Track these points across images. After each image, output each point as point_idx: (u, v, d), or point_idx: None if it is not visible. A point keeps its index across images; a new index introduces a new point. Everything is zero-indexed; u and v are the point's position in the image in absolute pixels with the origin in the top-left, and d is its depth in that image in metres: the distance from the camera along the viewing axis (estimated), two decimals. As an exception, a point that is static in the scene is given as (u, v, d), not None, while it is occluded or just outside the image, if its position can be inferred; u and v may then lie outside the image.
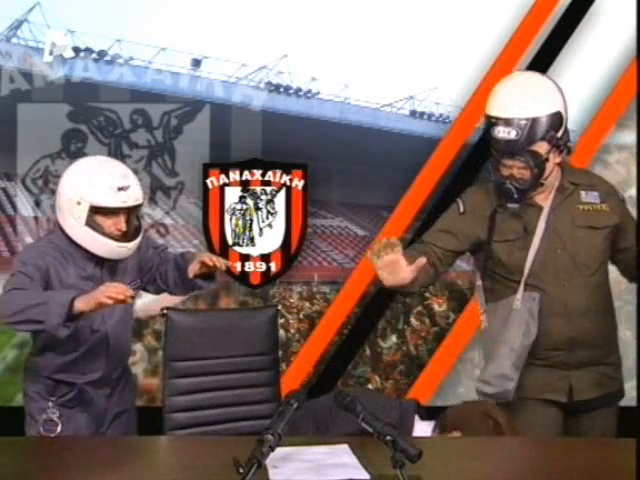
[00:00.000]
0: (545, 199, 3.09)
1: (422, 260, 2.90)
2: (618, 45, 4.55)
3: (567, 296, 3.04)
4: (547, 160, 3.02)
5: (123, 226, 3.08)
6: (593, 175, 3.33)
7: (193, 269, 3.16)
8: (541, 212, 3.07)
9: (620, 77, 4.57)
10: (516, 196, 3.02)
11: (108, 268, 3.15)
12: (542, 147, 3.01)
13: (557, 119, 3.05)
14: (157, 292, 3.37)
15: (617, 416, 3.16)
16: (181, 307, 3.26)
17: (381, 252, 2.84)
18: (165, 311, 3.10)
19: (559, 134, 3.04)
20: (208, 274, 3.20)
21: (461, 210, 3.14)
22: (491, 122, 3.03)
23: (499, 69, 4.45)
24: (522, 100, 3.04)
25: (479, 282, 3.18)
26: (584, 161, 4.56)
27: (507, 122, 2.99)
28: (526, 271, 3.04)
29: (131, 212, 3.11)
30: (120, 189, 3.08)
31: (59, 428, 3.13)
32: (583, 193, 3.12)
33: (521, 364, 3.02)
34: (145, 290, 3.36)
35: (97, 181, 3.09)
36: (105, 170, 3.14)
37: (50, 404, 3.16)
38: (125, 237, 3.10)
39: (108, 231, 3.08)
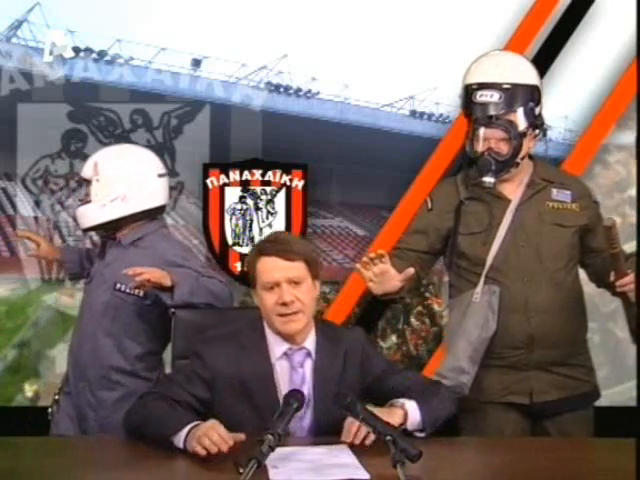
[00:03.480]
0: (514, 192, 3.07)
1: (411, 270, 2.90)
2: (618, 45, 4.55)
3: (528, 292, 3.00)
4: (524, 135, 3.01)
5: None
6: (568, 175, 3.31)
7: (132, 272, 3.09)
8: (508, 205, 3.05)
9: (620, 77, 4.57)
10: (494, 167, 2.98)
11: (105, 251, 3.31)
12: (521, 119, 3.00)
13: (535, 93, 3.06)
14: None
15: (592, 420, 3.11)
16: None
17: (369, 264, 2.87)
18: (173, 310, 3.08)
19: (536, 111, 3.04)
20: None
21: (429, 207, 3.13)
22: (472, 89, 3.03)
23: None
24: (502, 67, 3.07)
25: (446, 278, 3.18)
26: (584, 161, 4.56)
27: (489, 86, 3.01)
28: (488, 264, 3.00)
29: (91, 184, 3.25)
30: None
31: (55, 408, 3.27)
32: (554, 191, 3.09)
33: (478, 358, 2.98)
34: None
35: None
36: None
37: (59, 386, 3.33)
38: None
39: None
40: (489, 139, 3.00)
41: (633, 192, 4.53)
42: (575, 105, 4.55)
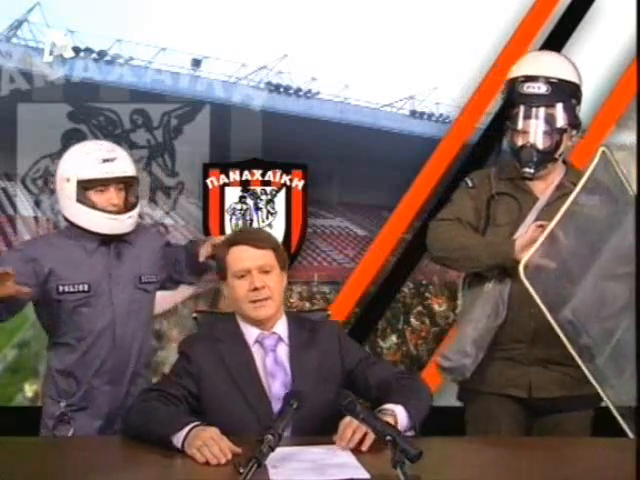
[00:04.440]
0: (543, 192, 3.11)
1: None
2: (618, 45, 4.55)
3: None
4: (565, 131, 3.07)
5: (115, 200, 3.09)
6: None
7: (204, 253, 3.15)
8: (536, 203, 3.09)
9: (620, 77, 4.57)
10: (535, 159, 3.04)
11: (115, 252, 3.16)
12: (563, 115, 3.06)
13: (578, 92, 3.13)
14: (175, 285, 3.41)
15: (590, 424, 3.13)
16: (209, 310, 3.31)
17: None
18: (195, 314, 3.09)
19: (577, 110, 3.11)
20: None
21: (470, 185, 3.17)
22: (518, 82, 3.07)
23: (499, 69, 4.44)
24: (548, 63, 3.14)
25: (448, 279, 3.22)
26: (584, 161, 4.55)
27: (536, 78, 3.05)
28: None
29: (126, 187, 3.13)
30: (105, 161, 3.11)
31: (71, 431, 3.11)
32: (583, 196, 3.12)
33: (484, 344, 3.02)
34: (164, 288, 3.36)
35: (83, 156, 3.15)
36: (91, 145, 3.26)
37: (62, 405, 3.14)
38: (120, 211, 3.11)
39: (101, 207, 3.09)
40: (530, 132, 3.04)
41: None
42: (575, 105, 4.55)
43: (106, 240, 3.15)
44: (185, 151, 4.61)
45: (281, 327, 2.76)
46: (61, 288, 3.10)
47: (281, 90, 4.68)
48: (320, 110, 4.72)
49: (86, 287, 3.12)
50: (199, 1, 4.58)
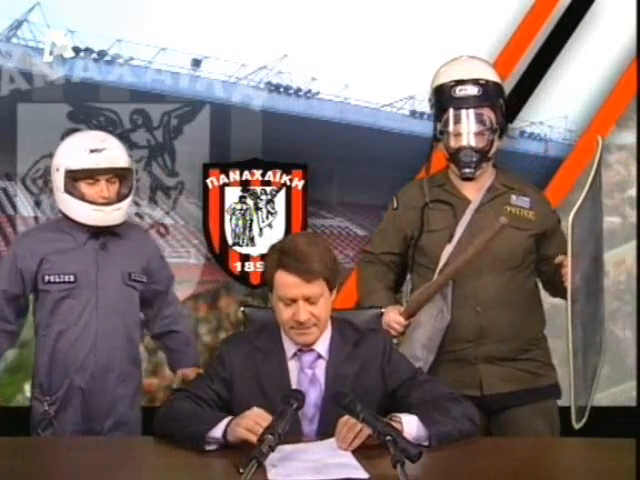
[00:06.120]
0: (474, 195, 3.16)
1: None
2: (618, 45, 4.55)
3: (478, 288, 3.08)
4: (496, 131, 3.11)
5: (105, 192, 3.08)
6: (528, 183, 3.36)
7: (182, 375, 3.31)
8: (468, 206, 3.14)
9: (620, 77, 4.57)
10: (475, 159, 3.09)
11: (102, 244, 3.15)
12: (493, 115, 3.11)
13: (503, 92, 3.18)
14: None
15: (554, 417, 3.15)
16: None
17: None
18: (243, 308, 3.06)
19: (503, 109, 3.16)
20: None
21: (395, 206, 3.24)
22: (449, 86, 3.12)
23: (499, 69, 4.43)
24: (473, 67, 3.20)
25: (409, 276, 3.26)
26: (584, 161, 4.55)
27: (467, 81, 3.11)
28: (443, 259, 3.09)
29: (119, 178, 3.12)
30: (93, 151, 3.08)
31: (52, 432, 3.11)
32: (514, 197, 3.18)
33: (434, 347, 3.07)
34: None
35: (71, 146, 3.13)
36: (82, 135, 3.23)
37: (45, 404, 3.13)
38: (108, 204, 3.10)
39: (91, 198, 3.08)
40: (463, 134, 3.10)
41: (633, 192, 4.54)
42: (575, 105, 4.55)
43: (97, 232, 3.14)
44: (185, 151, 4.61)
45: (322, 343, 2.63)
46: (47, 278, 3.11)
47: (281, 90, 4.68)
48: (320, 110, 4.72)
49: (72, 278, 3.11)
50: (199, 1, 4.58)
